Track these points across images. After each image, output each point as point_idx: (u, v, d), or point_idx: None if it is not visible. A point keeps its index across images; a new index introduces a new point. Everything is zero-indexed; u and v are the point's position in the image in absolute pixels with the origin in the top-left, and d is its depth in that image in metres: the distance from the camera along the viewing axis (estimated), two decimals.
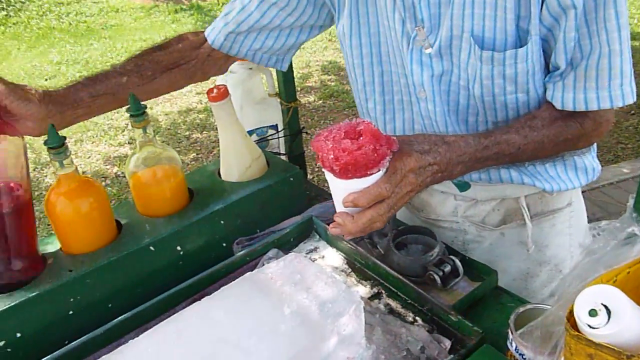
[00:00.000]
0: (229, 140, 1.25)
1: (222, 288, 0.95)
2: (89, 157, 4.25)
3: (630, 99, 0.95)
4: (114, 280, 1.07)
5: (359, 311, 0.89)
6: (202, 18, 7.80)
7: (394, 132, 1.19)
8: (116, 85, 1.16)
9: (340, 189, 0.84)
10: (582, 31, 0.92)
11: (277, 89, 1.44)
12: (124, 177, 3.96)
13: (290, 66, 1.40)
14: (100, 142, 4.46)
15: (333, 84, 5.33)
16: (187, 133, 4.53)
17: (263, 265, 1.13)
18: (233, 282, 0.96)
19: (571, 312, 0.68)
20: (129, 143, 4.40)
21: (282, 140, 1.49)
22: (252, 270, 1.12)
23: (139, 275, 1.09)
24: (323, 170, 0.84)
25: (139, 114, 1.08)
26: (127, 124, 4.72)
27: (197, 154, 4.20)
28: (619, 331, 0.63)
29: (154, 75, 1.20)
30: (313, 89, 5.22)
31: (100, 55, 6.45)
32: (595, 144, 1.14)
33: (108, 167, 4.10)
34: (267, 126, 1.46)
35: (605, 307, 0.64)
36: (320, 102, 4.90)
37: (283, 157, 1.49)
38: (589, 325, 0.65)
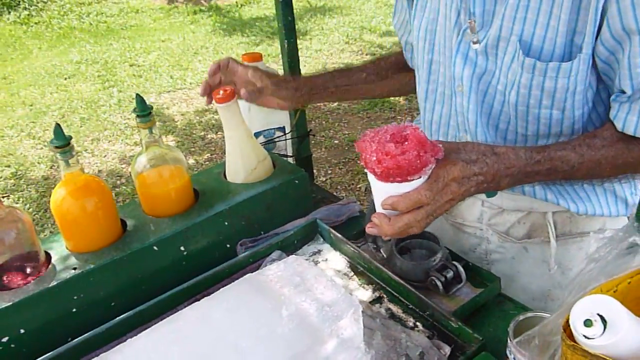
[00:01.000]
0: (235, 141, 1.25)
1: (221, 289, 0.95)
2: (105, 156, 4.30)
3: None
4: (118, 279, 1.07)
5: (357, 315, 0.88)
6: (220, 19, 7.85)
7: (431, 122, 1.18)
8: (356, 79, 1.33)
9: (381, 190, 0.85)
10: None
11: None
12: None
13: (298, 68, 1.40)
14: (117, 141, 4.50)
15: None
16: (203, 133, 4.56)
17: (266, 267, 1.14)
18: (233, 282, 0.96)
19: (568, 322, 0.67)
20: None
21: (289, 142, 1.49)
22: (254, 272, 1.13)
23: (142, 274, 1.10)
24: (365, 170, 0.85)
25: (145, 114, 1.09)
26: None
27: (211, 155, 4.23)
28: (615, 342, 0.62)
29: (388, 74, 1.35)
30: None
31: (119, 56, 6.52)
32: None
33: (124, 166, 4.13)
34: (274, 128, 1.46)
35: (602, 317, 0.63)
36: (335, 104, 4.89)
37: (290, 160, 1.49)
38: (584, 336, 0.64)
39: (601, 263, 0.76)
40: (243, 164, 1.25)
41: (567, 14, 0.90)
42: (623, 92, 0.93)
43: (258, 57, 1.40)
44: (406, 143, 0.81)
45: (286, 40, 1.34)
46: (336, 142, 4.30)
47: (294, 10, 1.35)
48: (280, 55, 1.41)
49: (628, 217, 1.15)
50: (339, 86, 1.31)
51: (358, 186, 3.73)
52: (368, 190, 3.68)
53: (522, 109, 1.00)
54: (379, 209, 0.88)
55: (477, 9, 0.99)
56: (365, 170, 0.85)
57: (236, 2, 8.64)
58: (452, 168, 0.83)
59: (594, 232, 1.12)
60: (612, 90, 0.97)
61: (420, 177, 0.82)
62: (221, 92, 1.20)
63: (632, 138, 0.95)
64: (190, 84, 5.62)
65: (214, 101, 1.21)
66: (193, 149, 4.30)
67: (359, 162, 0.86)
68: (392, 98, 4.74)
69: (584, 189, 1.09)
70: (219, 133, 4.53)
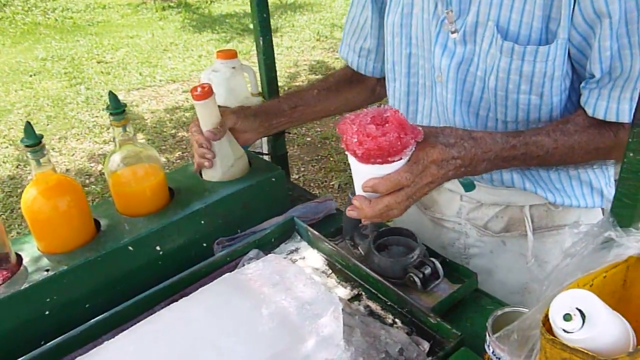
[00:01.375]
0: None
1: (200, 289, 0.94)
2: (73, 155, 4.21)
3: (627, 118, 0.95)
4: (92, 280, 1.05)
5: (337, 313, 0.88)
6: (190, 16, 7.77)
7: (415, 115, 1.19)
8: (309, 98, 1.33)
9: (361, 172, 0.85)
10: (623, 41, 0.91)
11: (261, 89, 1.43)
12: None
13: (274, 66, 1.40)
14: (85, 140, 4.42)
15: None
16: (173, 131, 4.51)
17: (243, 265, 1.13)
18: (212, 282, 0.95)
19: (547, 316, 0.68)
20: (113, 140, 4.36)
21: (264, 140, 1.48)
22: (232, 271, 1.12)
23: (117, 275, 1.08)
24: (346, 152, 0.85)
25: (118, 112, 1.07)
26: None
27: (182, 153, 4.18)
28: (593, 336, 0.63)
29: (339, 88, 1.35)
30: None
31: (86, 52, 6.40)
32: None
33: (92, 164, 4.06)
34: None
35: (580, 311, 0.64)
36: None
37: (266, 158, 1.48)
38: (563, 330, 0.65)
39: (577, 258, 0.77)
40: (220, 161, 1.24)
41: None
42: (593, 76, 0.95)
43: (233, 54, 1.39)
44: (387, 125, 0.81)
45: (261, 38, 1.33)
46: (309, 139, 4.30)
47: None
48: (256, 53, 1.40)
49: (602, 210, 1.17)
50: (294, 107, 1.30)
51: (331, 183, 3.74)
52: (341, 187, 3.69)
53: (501, 94, 1.01)
54: (359, 191, 0.88)
55: None
56: (346, 153, 0.85)
57: None
58: (432, 150, 0.85)
59: (569, 225, 1.15)
60: (584, 77, 0.99)
61: (400, 159, 0.83)
62: (199, 89, 1.18)
63: (604, 123, 0.98)
64: (160, 81, 5.55)
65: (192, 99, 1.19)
66: (164, 147, 4.25)
67: (341, 144, 0.87)
68: None
69: (561, 180, 1.11)
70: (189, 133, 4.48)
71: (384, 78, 1.26)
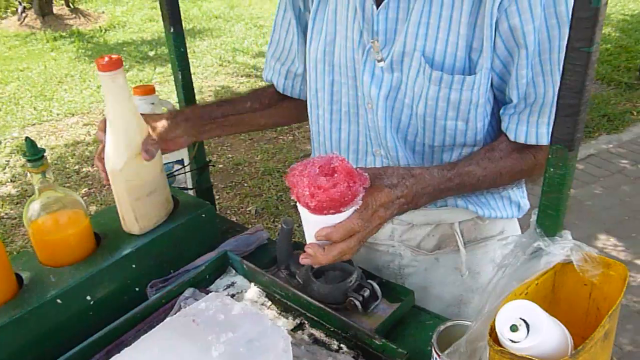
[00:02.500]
0: (119, 117, 1.09)
1: (142, 337, 0.90)
2: None
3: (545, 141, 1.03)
4: (18, 339, 0.98)
5: (287, 346, 0.88)
6: (84, 45, 7.48)
7: (339, 142, 1.21)
8: (241, 108, 1.32)
9: (313, 222, 0.87)
10: (537, 70, 0.99)
11: None
12: (8, 217, 3.68)
13: (194, 99, 1.38)
14: None
15: None
16: (77, 167, 4.30)
17: (180, 306, 1.10)
18: (153, 329, 0.91)
19: (492, 328, 0.72)
20: (11, 181, 4.09)
21: (188, 175, 1.45)
22: (168, 313, 1.08)
23: (46, 331, 1.02)
24: (297, 204, 0.86)
25: (37, 158, 1.02)
26: (8, 161, 4.40)
27: (89, 189, 4.00)
28: (538, 343, 0.67)
29: (270, 103, 1.35)
30: None
31: None
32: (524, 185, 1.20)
33: None
34: (172, 162, 1.42)
35: (524, 321, 0.68)
36: None
37: (190, 192, 1.45)
38: (510, 340, 0.69)
39: (511, 269, 0.82)
40: (126, 145, 1.10)
41: (465, 29, 0.98)
42: (511, 101, 1.03)
43: (151, 89, 1.36)
44: (335, 175, 0.84)
45: (180, 72, 1.32)
46: (221, 166, 4.25)
47: (162, 34, 1.31)
48: (175, 87, 1.37)
49: (519, 220, 1.26)
50: (226, 115, 1.29)
51: (248, 209, 3.71)
52: (258, 212, 3.67)
53: (429, 120, 1.06)
54: (310, 239, 0.90)
55: (380, 28, 1.05)
56: (297, 204, 0.87)
57: (99, 27, 8.29)
58: (379, 195, 0.89)
59: (496, 235, 1.23)
60: (503, 103, 1.07)
61: (352, 207, 0.85)
62: (106, 58, 1.04)
63: (524, 147, 1.06)
64: (58, 114, 5.29)
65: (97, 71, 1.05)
66: (68, 185, 4.04)
67: (290, 195, 0.88)
68: None
69: (485, 196, 1.18)
70: (94, 166, 4.29)
71: None
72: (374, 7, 1.04)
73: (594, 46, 0.67)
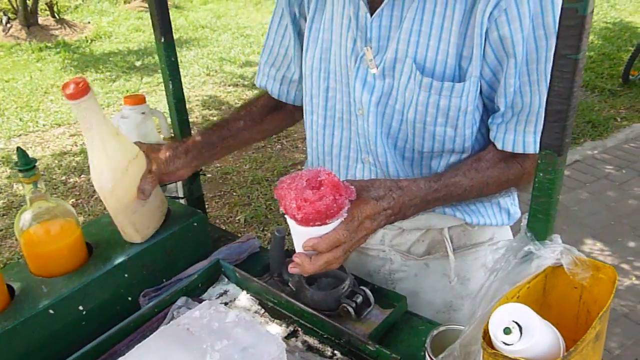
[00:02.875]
0: (97, 142, 1.06)
1: (137, 346, 0.90)
2: None
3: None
4: (11, 350, 0.98)
5: (281, 353, 0.88)
6: (70, 56, 7.44)
7: (331, 147, 1.22)
8: (236, 129, 1.32)
9: (301, 233, 0.90)
10: (524, 79, 1.01)
11: (172, 133, 1.41)
12: None
13: (184, 109, 1.38)
14: None
15: (215, 118, 5.29)
16: (64, 177, 4.27)
17: (173, 315, 1.10)
18: (148, 338, 0.91)
19: (485, 331, 0.73)
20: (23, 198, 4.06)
21: (179, 184, 1.45)
22: (161, 322, 1.08)
23: (38, 341, 1.01)
24: (285, 216, 0.89)
25: (28, 169, 1.01)
26: None
27: (76, 200, 3.97)
28: (531, 345, 0.68)
29: (262, 118, 1.36)
30: (195, 125, 5.14)
31: None
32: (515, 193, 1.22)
33: None
34: None
35: (517, 324, 0.69)
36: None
37: (182, 201, 1.45)
38: (504, 343, 0.70)
39: (502, 273, 0.83)
40: (110, 166, 1.07)
41: (456, 38, 1.00)
42: (499, 109, 1.05)
43: (141, 99, 1.36)
44: (322, 188, 0.87)
45: (171, 81, 1.32)
46: (209, 176, 4.24)
47: (148, 44, 1.31)
48: (165, 96, 1.38)
49: (511, 227, 1.27)
50: (223, 138, 1.30)
51: (237, 218, 3.71)
52: (247, 221, 3.67)
53: (419, 126, 1.08)
54: (298, 249, 0.93)
55: (373, 35, 1.06)
56: (285, 216, 0.89)
57: (85, 37, 8.25)
58: (365, 207, 0.92)
59: (486, 242, 1.24)
60: (492, 111, 1.08)
61: (337, 219, 0.88)
62: (72, 85, 1.01)
63: (511, 156, 1.07)
64: (44, 125, 5.25)
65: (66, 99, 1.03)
66: (55, 195, 4.01)
67: (278, 207, 0.90)
68: None
69: (475, 203, 1.19)
70: (82, 176, 4.27)
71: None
72: (368, 15, 1.06)
73: (581, 53, 0.69)
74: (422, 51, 1.03)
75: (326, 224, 0.88)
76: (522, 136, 1.05)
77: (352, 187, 0.91)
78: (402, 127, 1.11)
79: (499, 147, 1.07)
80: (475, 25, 0.98)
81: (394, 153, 1.14)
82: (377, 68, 1.08)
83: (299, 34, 1.25)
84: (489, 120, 1.08)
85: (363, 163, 1.19)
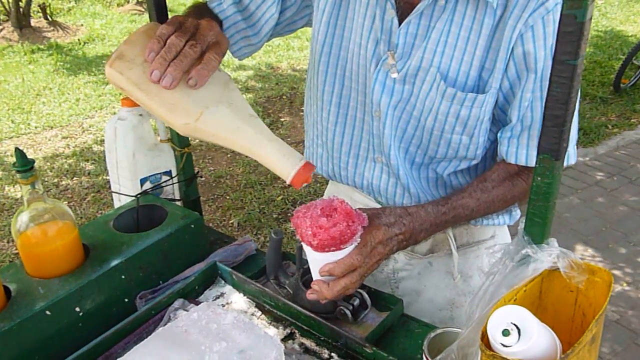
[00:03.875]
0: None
1: (135, 348, 0.90)
2: None
3: (573, 160, 1.10)
4: (7, 352, 0.97)
5: (279, 355, 0.89)
6: (62, 58, 7.40)
7: (341, 145, 1.23)
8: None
9: (317, 259, 0.94)
10: (536, 94, 1.04)
11: (169, 135, 1.41)
12: None
13: None
14: None
15: None
16: (56, 180, 4.25)
17: (169, 317, 1.10)
18: (146, 340, 0.91)
19: (484, 333, 0.74)
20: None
21: (176, 186, 1.45)
22: (158, 324, 1.08)
23: (35, 343, 1.01)
24: (301, 243, 0.94)
25: (26, 169, 1.01)
26: None
27: (69, 202, 3.95)
28: (528, 347, 0.69)
29: None
30: None
31: None
32: None
33: None
34: (160, 173, 1.42)
35: (516, 326, 0.70)
36: (196, 141, 4.83)
37: (178, 203, 1.45)
38: (502, 344, 0.70)
39: (500, 276, 0.84)
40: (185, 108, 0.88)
41: (481, 51, 1.03)
42: (510, 121, 1.07)
43: None
44: (335, 215, 0.91)
45: None
46: (202, 179, 4.23)
47: None
48: None
49: (509, 227, 1.28)
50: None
51: (230, 222, 3.70)
52: (240, 225, 3.67)
53: (436, 133, 1.11)
54: (316, 275, 0.97)
55: (400, 42, 1.07)
56: (302, 243, 0.94)
57: (78, 40, 8.22)
58: (377, 233, 0.96)
59: (488, 239, 1.26)
60: (504, 122, 1.11)
61: (352, 245, 0.93)
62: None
63: (516, 174, 1.11)
64: (36, 127, 5.23)
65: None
66: None
67: (295, 235, 0.94)
68: None
69: None
70: (74, 178, 4.25)
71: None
72: (396, 20, 1.07)
73: (579, 59, 0.70)
74: (446, 61, 1.05)
75: (340, 249, 0.92)
76: (525, 149, 1.08)
77: (364, 214, 0.95)
78: (417, 133, 1.13)
79: (512, 161, 1.09)
80: (502, 39, 1.01)
81: (404, 156, 1.16)
82: (398, 73, 1.09)
83: (283, 9, 1.19)
84: (499, 134, 1.10)
85: (375, 162, 1.20)
